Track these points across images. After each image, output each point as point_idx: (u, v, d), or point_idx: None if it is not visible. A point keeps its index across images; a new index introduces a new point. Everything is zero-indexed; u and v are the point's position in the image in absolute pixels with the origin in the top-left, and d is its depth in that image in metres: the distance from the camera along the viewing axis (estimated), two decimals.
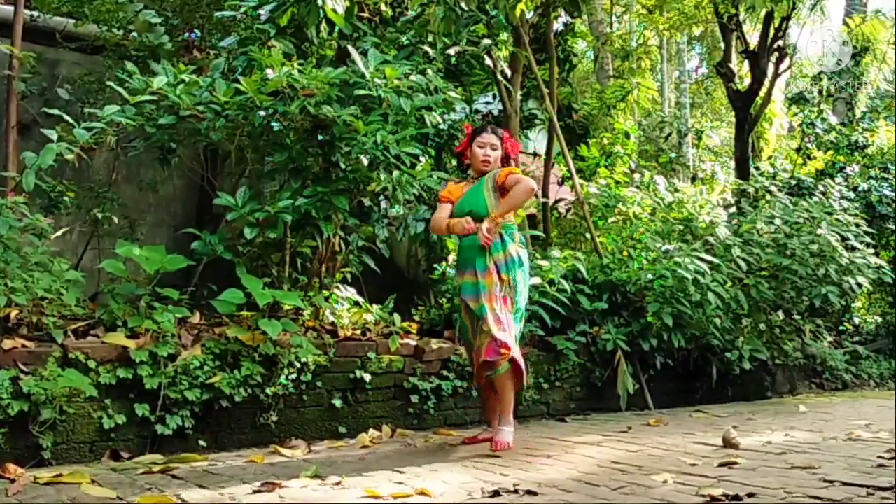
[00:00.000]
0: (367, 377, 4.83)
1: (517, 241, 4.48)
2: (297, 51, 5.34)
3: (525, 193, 4.34)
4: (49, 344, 3.90)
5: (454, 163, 7.39)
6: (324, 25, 5.48)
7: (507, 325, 4.24)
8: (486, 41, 6.55)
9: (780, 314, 7.71)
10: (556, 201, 8.51)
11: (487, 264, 4.31)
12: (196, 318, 4.65)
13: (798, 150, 11.94)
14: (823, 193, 9.09)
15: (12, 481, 3.26)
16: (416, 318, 5.74)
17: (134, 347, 4.01)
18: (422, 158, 5.36)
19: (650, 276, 6.32)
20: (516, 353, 4.24)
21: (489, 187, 4.43)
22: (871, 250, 8.00)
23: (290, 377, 4.45)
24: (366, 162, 4.78)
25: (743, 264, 6.93)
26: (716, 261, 6.64)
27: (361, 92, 4.80)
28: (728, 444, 4.27)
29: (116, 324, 4.20)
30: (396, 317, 5.31)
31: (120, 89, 4.63)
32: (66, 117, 4.57)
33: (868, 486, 3.21)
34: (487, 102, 8.66)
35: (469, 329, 4.39)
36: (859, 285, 7.53)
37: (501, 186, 4.38)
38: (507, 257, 4.36)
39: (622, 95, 10.46)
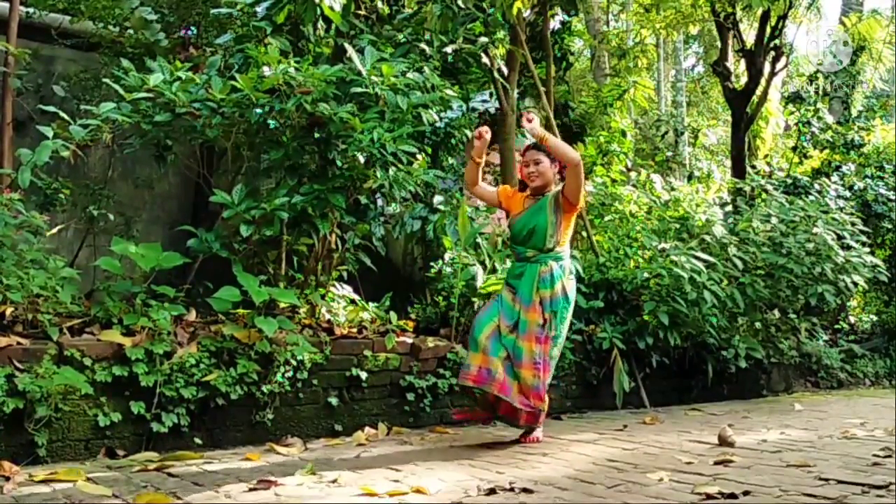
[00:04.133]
0: (364, 375, 4.83)
1: (567, 272, 4.37)
2: (294, 48, 5.34)
3: (573, 164, 4.19)
4: (44, 341, 3.89)
5: (450, 160, 7.42)
6: (320, 23, 5.47)
7: (541, 371, 4.23)
8: (483, 39, 6.55)
9: (776, 313, 7.73)
10: None
11: (533, 299, 4.24)
12: (192, 316, 4.64)
13: (794, 148, 11.97)
14: (819, 192, 9.10)
15: (7, 479, 3.25)
16: (413, 315, 5.74)
17: (129, 345, 4.00)
18: (418, 156, 5.36)
19: (646, 275, 6.33)
20: (545, 404, 4.33)
21: (552, 209, 4.29)
22: (867, 249, 8.02)
23: (286, 375, 4.45)
24: (362, 160, 4.77)
25: (739, 263, 6.94)
26: (712, 259, 6.65)
27: (358, 89, 4.80)
28: (723, 442, 4.28)
29: (112, 321, 4.19)
30: (393, 315, 5.30)
31: (116, 86, 4.62)
32: (62, 114, 4.55)
33: (863, 485, 3.21)
34: (484, 101, 8.66)
35: (485, 333, 4.29)
36: (855, 284, 7.54)
37: (565, 200, 4.28)
38: (555, 296, 4.26)
39: (619, 94, 10.47)
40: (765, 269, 7.32)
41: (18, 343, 3.79)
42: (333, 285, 5.32)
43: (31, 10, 6.38)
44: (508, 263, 5.14)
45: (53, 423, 3.74)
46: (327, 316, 5.03)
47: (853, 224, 8.01)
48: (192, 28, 6.39)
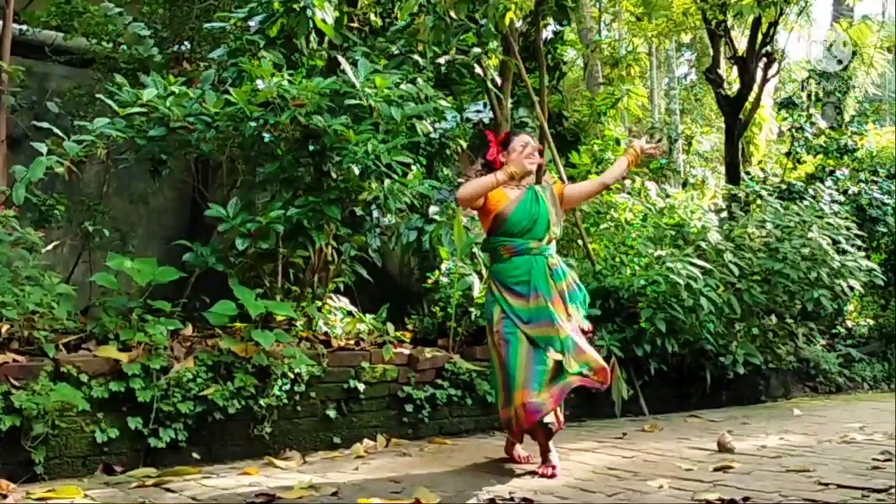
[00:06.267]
0: (361, 387, 4.81)
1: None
2: (287, 61, 5.35)
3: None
4: (40, 358, 3.87)
5: (446, 171, 7.41)
6: (313, 36, 5.48)
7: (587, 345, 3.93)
8: (476, 50, 6.57)
9: (773, 318, 7.72)
10: None
11: (553, 292, 3.92)
12: (188, 331, 4.63)
13: (788, 154, 11.99)
14: (814, 197, 9.11)
15: (4, 497, 3.23)
16: (410, 327, 5.73)
17: (126, 360, 3.99)
18: (413, 167, 5.36)
19: (643, 282, 6.33)
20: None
21: (550, 200, 4.06)
22: (863, 253, 8.03)
23: (283, 388, 4.43)
24: (357, 171, 4.78)
25: (735, 269, 6.94)
26: (708, 266, 6.65)
27: (352, 101, 4.81)
28: (723, 448, 4.27)
29: (108, 337, 4.18)
30: (390, 326, 5.30)
31: (110, 102, 4.62)
32: (56, 130, 4.56)
33: (863, 489, 3.21)
34: (478, 111, 8.67)
35: (521, 364, 3.80)
36: (851, 288, 7.55)
37: (562, 196, 4.14)
38: (570, 287, 4.02)
39: (612, 102, 10.48)
40: (761, 275, 7.33)
41: (15, 360, 3.78)
42: (330, 297, 5.31)
43: (24, 27, 6.39)
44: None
45: (50, 440, 3.73)
46: (324, 328, 5.02)
47: (848, 228, 8.02)
48: (186, 43, 6.41)
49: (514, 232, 3.99)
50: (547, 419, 3.82)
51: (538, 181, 4.49)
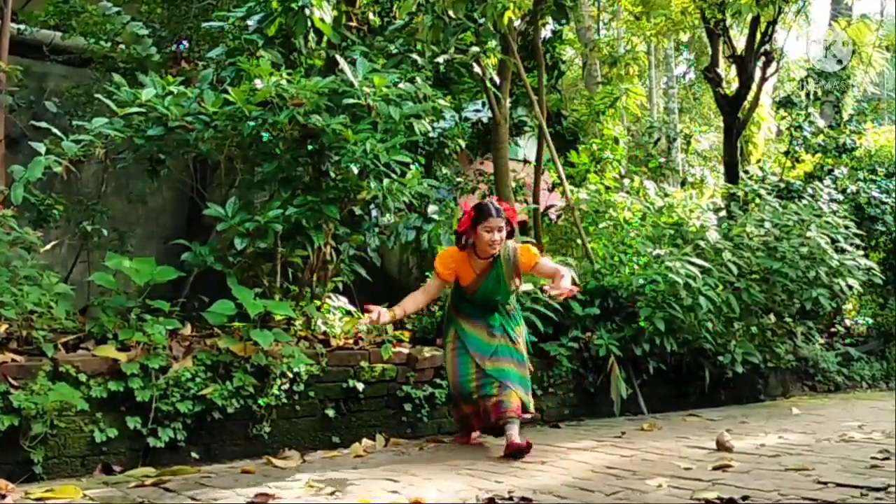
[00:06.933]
0: (360, 386, 4.81)
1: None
2: (286, 61, 5.35)
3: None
4: (39, 358, 3.87)
5: (444, 170, 7.42)
6: (312, 35, 5.48)
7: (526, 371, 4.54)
8: (475, 49, 6.56)
9: (772, 317, 7.72)
10: (547, 208, 8.52)
11: (509, 331, 4.50)
12: (187, 330, 4.63)
13: (786, 153, 11.99)
14: (812, 196, 9.11)
15: (3, 497, 3.23)
16: (409, 326, 5.72)
17: (125, 360, 3.99)
18: (412, 166, 5.36)
19: (641, 281, 6.33)
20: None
21: (509, 274, 4.46)
22: (861, 252, 8.02)
23: (282, 387, 4.43)
24: (356, 171, 4.78)
25: (734, 268, 6.94)
26: (707, 265, 6.65)
27: (350, 101, 4.81)
28: (722, 447, 4.27)
29: (107, 337, 4.18)
30: (389, 325, 5.29)
31: (108, 101, 4.62)
32: (55, 130, 4.55)
33: (862, 487, 3.21)
34: (477, 110, 8.67)
35: (473, 378, 4.38)
36: (850, 287, 7.55)
37: (528, 269, 4.54)
38: (522, 331, 4.65)
39: (611, 101, 10.47)
40: (760, 274, 7.33)
41: (13, 360, 3.78)
42: (329, 297, 5.31)
43: (22, 26, 6.38)
44: None
45: (49, 439, 3.73)
46: (323, 327, 5.02)
47: (847, 227, 8.02)
48: (184, 42, 6.41)
49: (474, 300, 4.51)
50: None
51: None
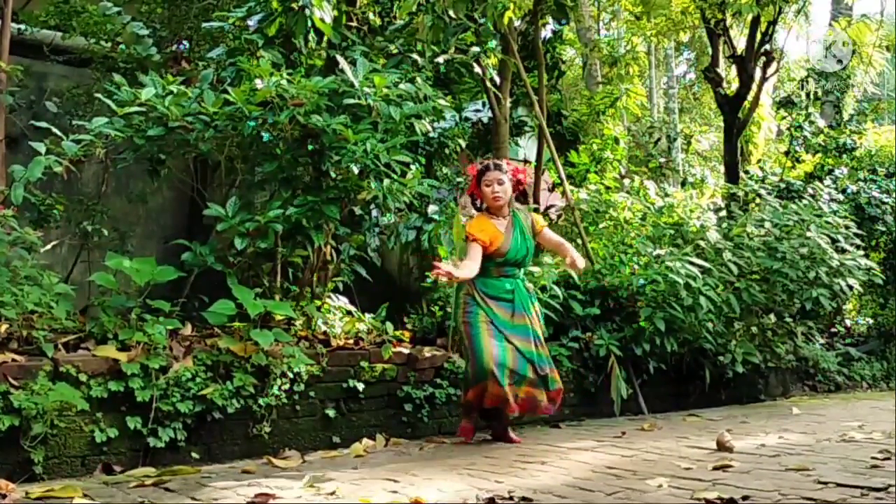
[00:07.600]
0: (361, 386, 4.81)
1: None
2: (286, 61, 5.34)
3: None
4: (39, 358, 3.87)
5: (444, 170, 7.42)
6: (312, 35, 5.48)
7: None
8: (475, 49, 6.56)
9: (772, 317, 7.72)
10: (547, 208, 8.52)
11: (532, 311, 4.74)
12: (187, 330, 4.63)
13: (786, 153, 11.99)
14: (812, 196, 9.10)
15: (3, 497, 3.23)
16: (409, 326, 5.72)
17: (125, 360, 3.99)
18: (412, 166, 5.36)
19: (642, 281, 6.33)
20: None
21: (530, 230, 4.78)
22: (861, 252, 8.01)
23: (282, 387, 4.43)
24: (356, 171, 4.78)
25: (734, 268, 6.94)
26: (707, 265, 6.65)
27: (351, 101, 4.81)
28: (722, 447, 4.27)
29: (107, 336, 4.18)
30: (389, 325, 5.29)
31: (108, 101, 4.62)
32: (55, 130, 4.55)
33: (862, 487, 3.21)
34: (477, 110, 8.68)
35: (510, 358, 4.55)
36: (850, 287, 7.54)
37: (538, 232, 4.84)
38: (538, 310, 4.87)
39: (611, 101, 10.47)
40: (760, 274, 7.32)
41: (13, 360, 3.78)
42: (329, 297, 5.31)
43: (22, 26, 6.38)
44: None
45: (49, 439, 3.73)
46: (323, 328, 5.02)
47: (847, 227, 8.01)
48: (184, 42, 6.40)
49: (508, 262, 4.69)
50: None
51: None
